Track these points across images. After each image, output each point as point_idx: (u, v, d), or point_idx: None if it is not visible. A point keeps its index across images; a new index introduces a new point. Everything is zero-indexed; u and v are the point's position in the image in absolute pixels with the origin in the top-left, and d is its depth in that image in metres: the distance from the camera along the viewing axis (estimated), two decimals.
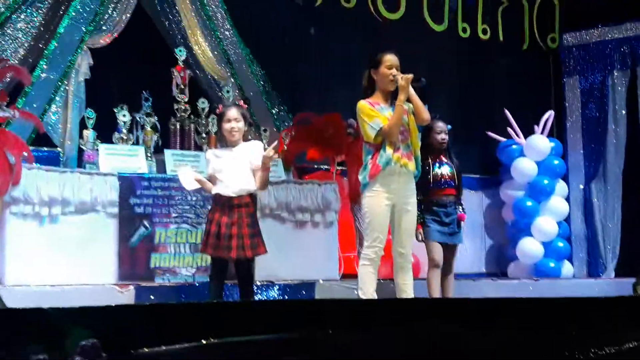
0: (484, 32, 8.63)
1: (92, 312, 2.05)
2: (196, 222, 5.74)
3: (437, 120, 5.67)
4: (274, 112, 7.16)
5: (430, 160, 5.56)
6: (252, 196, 4.78)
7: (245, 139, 4.87)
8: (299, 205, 6.14)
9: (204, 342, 2.05)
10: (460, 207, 5.68)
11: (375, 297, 4.74)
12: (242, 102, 5.07)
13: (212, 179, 4.73)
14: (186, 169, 4.82)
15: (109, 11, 6.38)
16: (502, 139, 8.15)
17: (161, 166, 5.96)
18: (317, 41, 7.74)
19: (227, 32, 6.95)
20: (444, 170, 5.61)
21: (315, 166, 6.99)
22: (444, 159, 5.66)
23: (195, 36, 6.68)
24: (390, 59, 4.76)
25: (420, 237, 5.41)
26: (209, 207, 4.85)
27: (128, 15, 6.44)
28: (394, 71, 4.72)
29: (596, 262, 8.09)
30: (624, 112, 8.18)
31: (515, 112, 8.17)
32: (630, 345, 1.95)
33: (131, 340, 1.98)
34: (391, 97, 4.79)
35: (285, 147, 6.58)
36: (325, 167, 6.97)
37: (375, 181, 4.67)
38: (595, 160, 8.29)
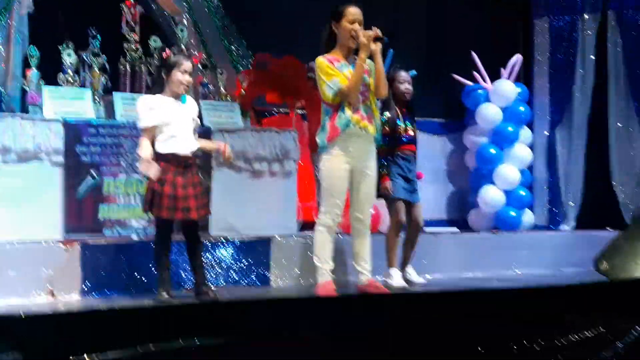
0: None
1: (13, 321, 1.86)
2: None
3: (400, 70, 5.43)
4: (232, 49, 6.82)
5: (396, 113, 5.35)
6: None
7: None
8: (257, 153, 5.91)
9: (139, 349, 1.89)
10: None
11: (332, 264, 4.59)
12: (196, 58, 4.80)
13: (151, 130, 4.42)
14: (149, 165, 4.43)
15: None
16: (468, 83, 7.94)
17: (110, 111, 5.64)
18: None
19: None
20: (407, 124, 5.41)
21: (275, 110, 6.72)
22: (406, 112, 5.45)
23: None
24: (353, 12, 4.49)
25: (388, 191, 5.21)
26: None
27: None
28: (355, 26, 4.45)
29: (558, 212, 8.04)
30: (592, 57, 7.99)
31: (482, 55, 7.92)
32: (580, 336, 1.89)
33: (57, 351, 1.81)
34: (353, 53, 4.54)
35: (243, 91, 6.30)
36: (285, 110, 6.71)
37: (334, 144, 4.46)
38: (561, 107, 8.13)
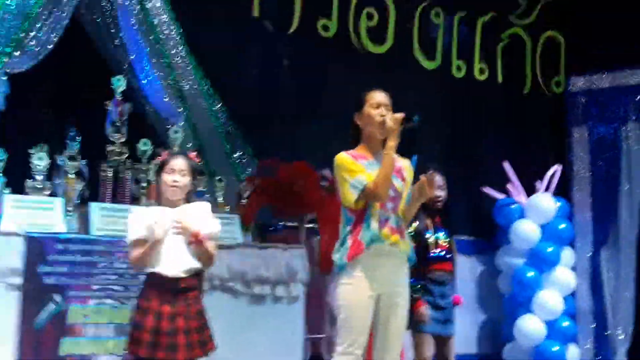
0: (481, 72, 7.65)
1: None
2: (124, 297, 4.60)
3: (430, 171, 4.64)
4: (234, 157, 6.06)
5: (425, 223, 4.54)
6: (199, 275, 3.80)
7: (188, 199, 3.85)
8: (258, 275, 5.10)
9: None
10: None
11: None
12: (193, 154, 3.99)
13: (140, 245, 3.67)
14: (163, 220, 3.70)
15: (35, 29, 5.26)
16: (500, 196, 7.13)
17: (85, 224, 4.81)
18: (290, 74, 6.69)
19: (180, 60, 5.86)
20: (440, 237, 4.58)
21: (281, 224, 5.90)
22: (439, 222, 4.63)
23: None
24: (376, 96, 3.71)
25: (423, 320, 4.36)
26: (142, 288, 3.73)
27: (58, 34, 5.30)
28: (382, 110, 3.67)
29: (606, 345, 7.05)
30: None
31: (516, 165, 7.17)
32: None
33: None
34: (380, 148, 3.74)
35: (246, 202, 5.50)
36: (293, 224, 5.85)
37: (356, 264, 3.56)
38: (605, 224, 7.32)
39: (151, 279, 3.67)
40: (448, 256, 4.73)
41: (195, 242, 3.65)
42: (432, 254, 4.57)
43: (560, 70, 8.04)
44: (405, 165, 3.80)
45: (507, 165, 7.07)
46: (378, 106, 3.69)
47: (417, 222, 4.54)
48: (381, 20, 6.95)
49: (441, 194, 4.70)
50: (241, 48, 6.32)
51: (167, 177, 3.74)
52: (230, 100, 6.04)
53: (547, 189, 7.07)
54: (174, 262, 3.65)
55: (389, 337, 3.63)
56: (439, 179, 4.67)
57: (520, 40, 7.91)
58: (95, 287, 4.55)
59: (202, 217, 3.77)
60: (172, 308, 3.60)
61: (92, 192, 5.05)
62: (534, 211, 6.92)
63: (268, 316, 5.10)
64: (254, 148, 6.12)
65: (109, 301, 4.55)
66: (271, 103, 6.44)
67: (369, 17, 6.90)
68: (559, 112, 7.87)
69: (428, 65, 7.27)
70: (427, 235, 4.58)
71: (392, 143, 3.59)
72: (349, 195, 3.59)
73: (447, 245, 4.73)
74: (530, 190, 7.11)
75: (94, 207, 4.85)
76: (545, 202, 6.94)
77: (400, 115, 3.58)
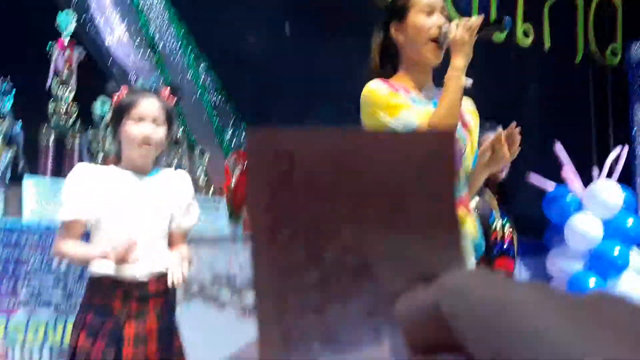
0: (525, 34, 6.48)
1: None
2: (67, 308, 3.39)
3: (489, 129, 3.43)
4: (224, 130, 4.92)
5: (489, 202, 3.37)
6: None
7: (161, 161, 2.73)
8: (250, 279, 3.85)
9: None
10: None
11: None
12: (166, 92, 2.75)
13: (74, 228, 2.52)
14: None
15: None
16: (551, 186, 5.94)
17: (15, 205, 3.61)
18: (293, 40, 5.58)
19: (154, 5, 4.69)
20: (499, 225, 3.42)
21: None
22: (499, 202, 3.47)
23: None
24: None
25: None
26: (85, 296, 2.54)
27: None
28: (437, 19, 2.46)
29: None
30: None
31: (568, 147, 5.99)
32: None
33: None
34: (430, 79, 2.54)
35: (233, 184, 4.30)
36: None
37: None
38: None
39: (102, 283, 2.48)
40: (512, 253, 3.57)
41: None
42: (497, 247, 3.39)
43: (617, 37, 6.89)
44: (469, 108, 2.61)
45: (559, 147, 5.87)
46: (431, 12, 2.48)
47: (478, 200, 3.36)
48: None
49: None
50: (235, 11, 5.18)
51: (133, 129, 2.55)
52: (221, 67, 4.99)
53: (609, 176, 5.89)
54: (139, 258, 2.45)
55: None
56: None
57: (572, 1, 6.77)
58: (25, 292, 3.35)
59: (183, 197, 2.69)
60: (136, 324, 2.42)
61: (28, 164, 3.85)
62: (595, 203, 5.74)
63: None
64: (249, 124, 4.99)
65: (44, 311, 3.35)
66: (272, 74, 5.30)
67: None
68: (617, 84, 6.72)
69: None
70: (492, 222, 3.41)
71: (462, 62, 2.37)
72: None
73: (509, 237, 3.57)
74: (586, 178, 5.93)
75: (29, 183, 3.65)
76: (608, 192, 5.76)
77: (477, 20, 2.37)
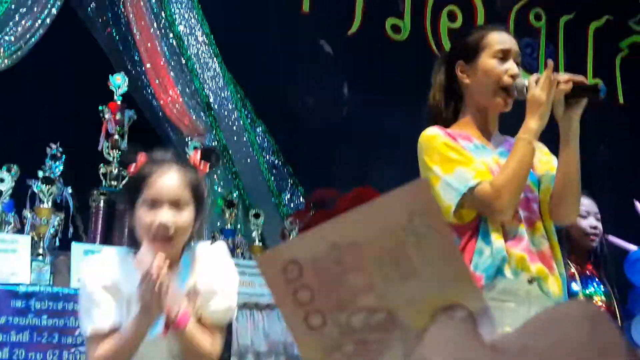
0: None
1: None
2: None
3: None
4: (279, 193, 4.77)
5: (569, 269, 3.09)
6: None
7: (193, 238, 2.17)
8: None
9: None
10: None
11: None
12: (197, 157, 2.23)
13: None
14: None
15: (16, 18, 4.10)
16: (633, 247, 5.58)
17: (61, 274, 3.48)
18: (352, 101, 5.47)
19: (210, 65, 4.64)
20: (596, 293, 3.14)
21: None
22: (592, 270, 3.19)
23: (151, 57, 4.31)
24: (503, 39, 2.31)
25: None
26: None
27: (44, 23, 4.13)
28: (512, 66, 2.26)
29: None
30: None
31: None
32: None
33: None
34: (496, 126, 2.34)
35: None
36: None
37: None
38: None
39: None
40: None
41: (173, 327, 2.03)
42: None
43: None
44: (542, 151, 2.38)
45: (638, 205, 5.53)
46: (505, 57, 2.28)
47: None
48: (466, 20, 5.66)
49: (596, 225, 3.26)
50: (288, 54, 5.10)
51: (145, 216, 2.05)
52: (278, 129, 4.88)
53: None
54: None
55: None
56: (588, 203, 3.23)
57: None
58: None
59: (209, 280, 2.12)
60: None
61: (78, 230, 3.75)
62: None
63: None
64: (306, 188, 4.85)
65: None
66: (330, 135, 5.16)
67: (451, 17, 5.63)
68: None
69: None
70: (574, 292, 3.13)
71: (536, 124, 2.14)
72: (443, 200, 2.14)
73: (609, 310, 3.27)
74: None
75: (76, 250, 3.52)
76: None
77: (568, 77, 2.15)
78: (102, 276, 2.07)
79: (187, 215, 2.06)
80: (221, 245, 2.21)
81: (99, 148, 3.85)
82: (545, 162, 2.34)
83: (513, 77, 2.24)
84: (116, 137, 3.87)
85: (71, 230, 3.71)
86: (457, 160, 2.18)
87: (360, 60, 5.40)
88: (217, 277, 2.11)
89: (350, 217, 0.42)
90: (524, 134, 2.17)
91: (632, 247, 5.57)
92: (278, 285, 0.43)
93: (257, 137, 4.86)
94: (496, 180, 2.14)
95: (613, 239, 5.53)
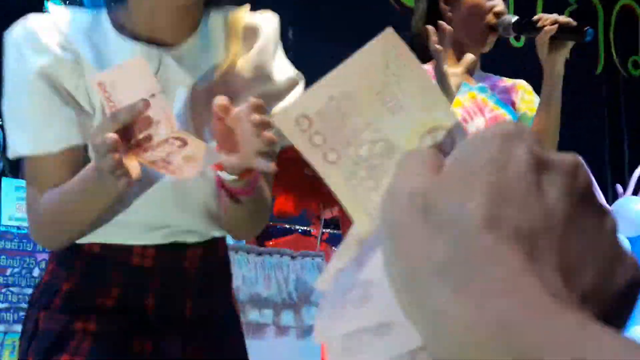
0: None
1: None
2: None
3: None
4: None
5: None
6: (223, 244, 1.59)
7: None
8: (255, 294, 3.75)
9: None
10: None
11: None
12: None
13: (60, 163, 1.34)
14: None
15: None
16: None
17: None
18: (295, 47, 5.42)
19: None
20: None
21: (288, 226, 4.76)
22: None
23: None
24: None
25: None
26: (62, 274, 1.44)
27: None
28: (499, 4, 2.21)
29: None
30: None
31: (588, 163, 5.81)
32: None
33: None
34: (478, 63, 2.29)
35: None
36: (304, 228, 4.76)
37: None
38: None
39: (95, 256, 1.42)
40: None
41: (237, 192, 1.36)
42: None
43: (638, 49, 6.86)
44: (526, 90, 2.36)
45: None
46: None
47: None
48: None
49: None
50: None
51: None
52: None
53: (635, 192, 5.84)
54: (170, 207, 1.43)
55: None
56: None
57: (591, 5, 6.65)
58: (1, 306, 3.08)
59: (283, 64, 1.53)
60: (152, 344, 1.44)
61: (9, 165, 3.60)
62: (621, 220, 5.60)
63: (271, 354, 3.73)
64: None
65: (17, 327, 3.05)
66: None
67: None
68: (635, 97, 6.68)
69: None
70: None
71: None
72: None
73: None
74: (607, 194, 5.96)
75: (8, 185, 3.40)
76: (636, 209, 5.70)
77: (554, 18, 2.10)
78: (49, 51, 1.31)
79: None
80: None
81: None
82: (528, 101, 2.31)
83: (499, 14, 2.19)
84: None
85: (1, 164, 3.55)
86: None
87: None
88: (287, 63, 1.52)
89: (335, 74, 0.47)
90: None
91: None
92: (295, 135, 0.47)
93: None
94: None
95: None
